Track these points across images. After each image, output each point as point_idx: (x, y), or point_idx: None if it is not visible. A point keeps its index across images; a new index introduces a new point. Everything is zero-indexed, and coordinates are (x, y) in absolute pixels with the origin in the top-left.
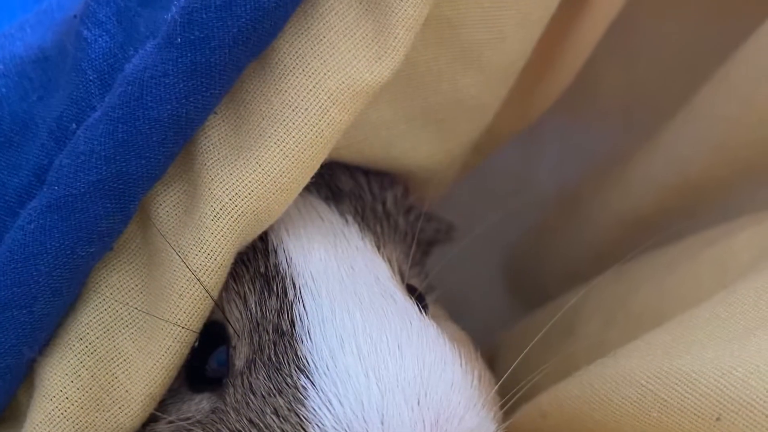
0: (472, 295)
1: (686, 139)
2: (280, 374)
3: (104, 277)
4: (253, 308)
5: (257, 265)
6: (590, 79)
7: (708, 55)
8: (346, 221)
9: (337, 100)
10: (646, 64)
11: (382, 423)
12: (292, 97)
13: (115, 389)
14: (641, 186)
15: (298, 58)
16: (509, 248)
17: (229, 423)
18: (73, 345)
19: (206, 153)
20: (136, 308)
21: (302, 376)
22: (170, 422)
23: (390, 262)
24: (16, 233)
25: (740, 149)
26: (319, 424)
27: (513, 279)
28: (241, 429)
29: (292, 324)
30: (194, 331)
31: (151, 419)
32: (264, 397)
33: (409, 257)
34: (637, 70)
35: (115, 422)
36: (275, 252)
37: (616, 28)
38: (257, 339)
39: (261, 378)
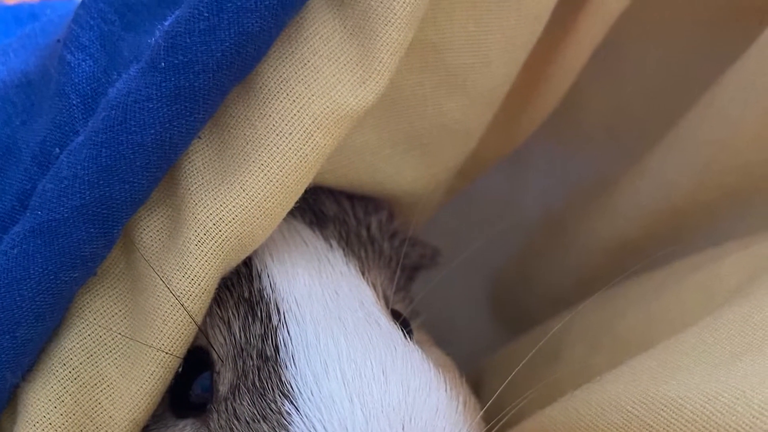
0: (457, 320)
1: (672, 164)
2: (265, 400)
3: (88, 302)
4: (237, 333)
5: (241, 290)
6: (576, 103)
7: (694, 79)
8: (331, 246)
9: (321, 125)
10: (631, 89)
11: None
12: (276, 122)
13: (98, 415)
14: (627, 211)
15: (282, 82)
16: (495, 273)
17: None
18: (57, 370)
19: (190, 178)
20: (120, 333)
21: (286, 401)
22: None
23: (374, 287)
24: None
25: (726, 174)
26: None
27: (498, 304)
28: None
29: (277, 349)
30: (178, 357)
31: None
32: (248, 422)
33: (394, 282)
34: (622, 94)
35: None
36: (259, 277)
37: (601, 53)
38: (241, 364)
39: (245, 404)
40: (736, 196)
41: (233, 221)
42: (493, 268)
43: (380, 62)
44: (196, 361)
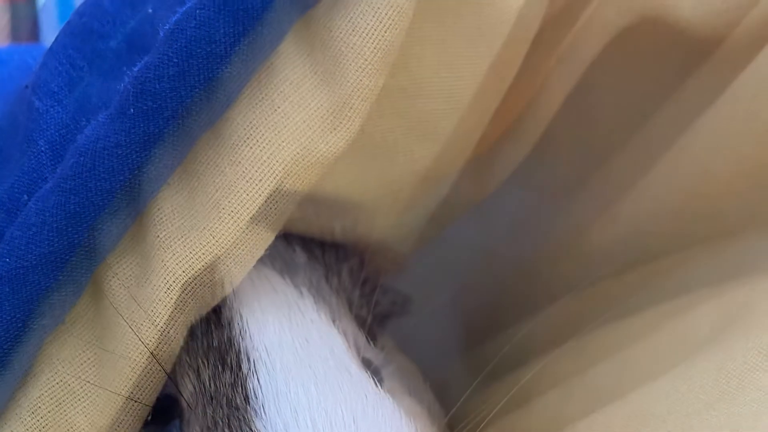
0: (429, 369)
1: (644, 211)
2: None
3: (56, 350)
4: (207, 382)
5: (211, 337)
6: (547, 148)
7: (667, 125)
8: (301, 293)
9: (291, 172)
10: (604, 134)
11: None
12: (246, 169)
13: None
14: (599, 257)
15: (252, 128)
16: (466, 320)
17: None
18: (25, 419)
19: (159, 225)
20: (89, 381)
21: None
22: None
23: (345, 334)
24: None
25: (698, 222)
26: None
27: (471, 353)
28: None
29: (246, 398)
30: (147, 405)
31: None
32: None
33: (365, 330)
34: (595, 140)
35: None
36: (229, 325)
37: (573, 97)
38: (211, 413)
39: None
40: (709, 244)
41: (203, 269)
42: (466, 315)
43: (351, 108)
44: (165, 410)
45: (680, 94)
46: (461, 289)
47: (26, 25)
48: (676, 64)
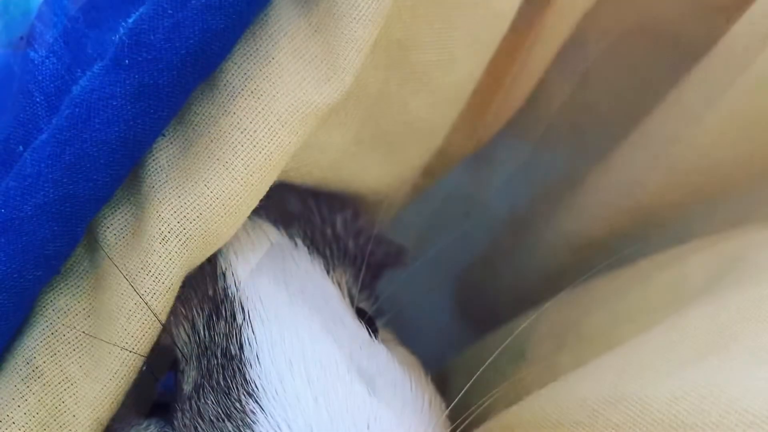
0: (422, 318)
1: (638, 162)
2: (229, 399)
3: (51, 301)
4: (201, 332)
5: (205, 288)
6: (541, 100)
7: (659, 77)
8: (296, 244)
9: (286, 123)
10: (597, 86)
11: None
12: (240, 120)
13: (62, 414)
14: (593, 209)
15: (246, 79)
16: (460, 272)
17: None
18: (20, 369)
19: (154, 175)
20: (84, 332)
21: (251, 400)
22: None
23: (340, 285)
24: None
25: (691, 173)
26: None
27: (463, 302)
28: None
29: (241, 348)
30: (142, 355)
31: None
32: (212, 421)
33: (359, 281)
34: (588, 91)
35: None
36: (224, 275)
37: (567, 50)
38: (205, 363)
39: (209, 403)
40: (701, 195)
41: (198, 219)
42: (459, 266)
43: (345, 60)
44: (161, 360)
45: (673, 46)
46: (454, 240)
47: None
48: (670, 17)
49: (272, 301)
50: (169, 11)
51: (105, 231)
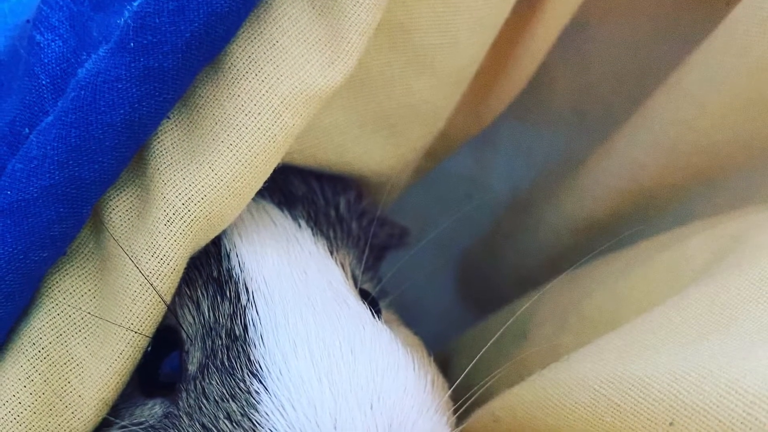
0: (424, 300)
1: (639, 144)
2: (233, 379)
3: (57, 282)
4: (206, 313)
5: (210, 269)
6: (543, 83)
7: (660, 59)
8: (299, 226)
9: (290, 105)
10: (598, 69)
11: (335, 428)
12: (244, 102)
13: (68, 394)
14: (594, 191)
15: (251, 62)
16: (462, 253)
17: (182, 428)
18: (26, 349)
19: (159, 157)
20: (89, 313)
21: (255, 380)
22: (123, 427)
23: (343, 266)
24: None
25: (693, 155)
26: (272, 429)
27: (466, 283)
28: None
29: (245, 328)
30: (147, 336)
31: (104, 424)
32: (217, 401)
33: (362, 262)
34: (589, 74)
35: (67, 427)
36: (228, 256)
37: (569, 33)
38: (210, 344)
39: (214, 383)
40: (702, 177)
41: (202, 201)
42: (461, 247)
43: (349, 42)
44: (165, 341)
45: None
46: (457, 221)
47: None
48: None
49: (276, 282)
50: None
51: (110, 213)
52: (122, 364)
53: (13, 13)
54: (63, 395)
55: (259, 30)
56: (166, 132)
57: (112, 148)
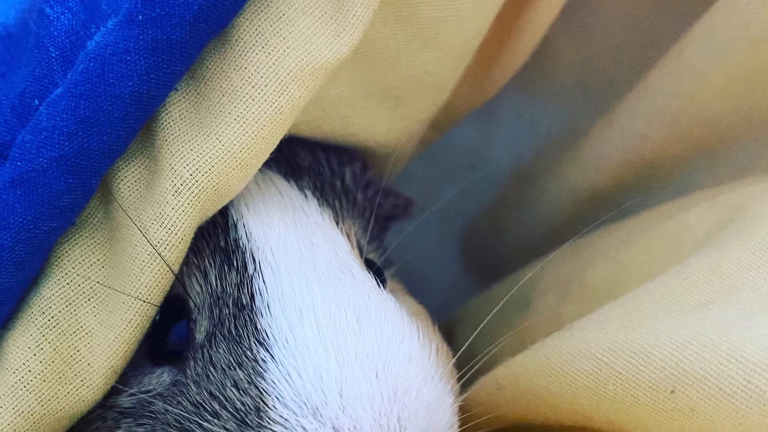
0: (429, 269)
1: (641, 115)
2: (240, 347)
3: (66, 252)
4: (214, 282)
5: (217, 239)
6: (546, 55)
7: (662, 32)
8: (305, 196)
9: (296, 77)
10: (601, 41)
11: (341, 396)
12: (251, 74)
13: (77, 362)
14: (596, 162)
15: (258, 35)
16: (466, 223)
17: (190, 395)
18: (36, 318)
19: (167, 129)
20: (98, 282)
21: (262, 349)
22: (131, 395)
23: (348, 236)
24: None
25: (694, 126)
26: (279, 397)
27: (470, 254)
28: (201, 401)
29: (252, 298)
30: (155, 305)
31: (113, 392)
32: (224, 369)
33: (368, 232)
34: (592, 46)
35: (77, 395)
36: (235, 227)
37: (572, 6)
38: (217, 313)
39: (221, 351)
40: (703, 147)
41: (210, 172)
42: (465, 218)
43: (354, 15)
44: (173, 310)
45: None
46: (461, 192)
47: None
48: None
49: (282, 252)
50: None
51: (119, 183)
52: (131, 333)
53: None
54: (72, 363)
55: (265, 3)
56: (174, 104)
57: (121, 120)
